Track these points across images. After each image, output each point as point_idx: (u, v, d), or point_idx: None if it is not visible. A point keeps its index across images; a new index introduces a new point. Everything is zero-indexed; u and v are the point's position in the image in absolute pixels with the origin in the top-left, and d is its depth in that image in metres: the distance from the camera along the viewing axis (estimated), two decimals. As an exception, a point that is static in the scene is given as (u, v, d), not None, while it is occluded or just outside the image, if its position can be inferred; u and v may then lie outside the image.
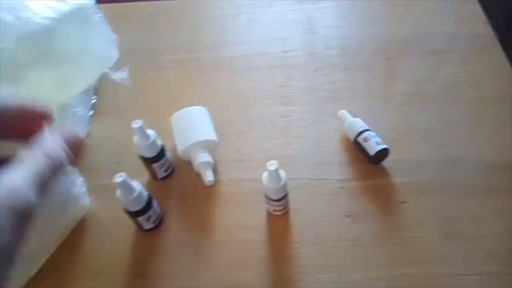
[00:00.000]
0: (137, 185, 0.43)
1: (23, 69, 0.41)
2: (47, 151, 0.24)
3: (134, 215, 0.45)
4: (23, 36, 0.40)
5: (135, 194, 0.42)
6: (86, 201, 0.48)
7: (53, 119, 0.26)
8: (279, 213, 0.47)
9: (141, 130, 0.46)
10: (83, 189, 0.48)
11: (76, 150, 0.25)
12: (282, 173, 0.43)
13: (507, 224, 0.44)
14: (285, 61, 0.64)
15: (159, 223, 0.48)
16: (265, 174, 0.43)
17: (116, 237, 0.48)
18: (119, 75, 0.58)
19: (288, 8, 0.72)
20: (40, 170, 0.23)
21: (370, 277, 0.43)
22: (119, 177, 0.41)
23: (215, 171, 0.51)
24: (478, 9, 0.67)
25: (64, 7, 0.46)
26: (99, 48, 0.50)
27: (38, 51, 0.42)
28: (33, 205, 0.22)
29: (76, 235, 0.48)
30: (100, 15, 0.51)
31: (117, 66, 0.59)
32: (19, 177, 0.22)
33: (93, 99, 0.61)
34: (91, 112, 0.60)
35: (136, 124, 0.45)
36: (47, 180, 0.23)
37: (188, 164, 0.52)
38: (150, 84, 0.63)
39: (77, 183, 0.46)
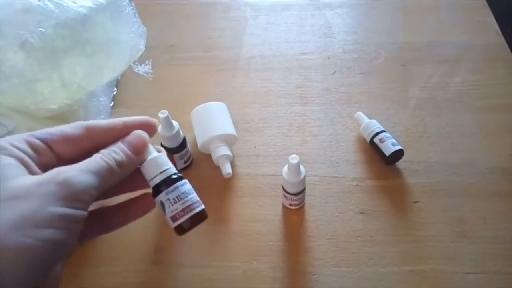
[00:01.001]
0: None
1: (60, 55, 0.42)
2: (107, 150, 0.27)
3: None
4: (61, 23, 0.42)
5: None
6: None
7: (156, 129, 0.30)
8: (295, 207, 0.49)
9: (167, 120, 0.47)
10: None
11: (137, 150, 0.28)
12: (301, 167, 0.45)
13: (515, 227, 0.46)
14: (302, 63, 0.66)
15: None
16: (285, 168, 0.45)
17: (135, 224, 0.49)
18: (143, 69, 0.60)
19: (307, 13, 0.74)
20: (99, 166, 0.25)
21: (382, 272, 0.44)
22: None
23: (232, 165, 0.53)
24: (491, 20, 0.69)
25: (99, -1, 0.48)
26: (129, 39, 0.52)
27: (74, 38, 0.43)
28: (90, 190, 0.24)
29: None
30: (132, 8, 0.53)
31: (140, 60, 0.61)
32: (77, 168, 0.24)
33: (114, 91, 0.63)
34: (112, 103, 0.62)
35: (163, 114, 0.47)
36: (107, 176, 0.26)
37: (206, 157, 0.53)
38: (169, 79, 0.65)
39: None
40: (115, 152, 0.27)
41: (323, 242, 0.47)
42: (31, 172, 0.24)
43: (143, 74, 0.60)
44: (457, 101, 0.59)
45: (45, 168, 0.25)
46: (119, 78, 0.65)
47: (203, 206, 0.30)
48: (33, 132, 0.26)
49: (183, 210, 0.28)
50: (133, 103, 0.62)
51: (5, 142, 0.24)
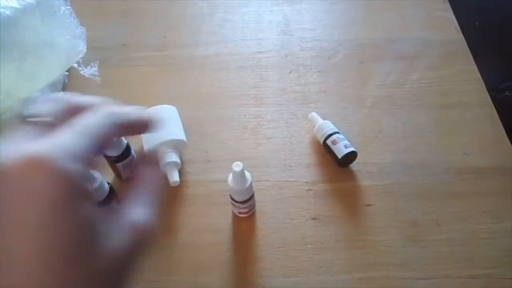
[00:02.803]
0: (98, 175, 0.42)
1: (-21, 61, 0.39)
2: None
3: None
4: (-21, 27, 0.39)
5: (96, 185, 0.42)
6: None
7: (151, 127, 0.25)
8: (244, 215, 0.47)
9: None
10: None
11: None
12: (247, 174, 0.43)
13: (466, 228, 0.45)
14: (259, 62, 0.63)
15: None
16: (230, 176, 0.43)
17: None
18: (89, 71, 0.57)
19: (265, 9, 0.72)
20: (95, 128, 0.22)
21: (332, 280, 0.43)
22: None
23: (182, 171, 0.50)
24: (450, 16, 0.68)
25: (28, -1, 0.45)
26: (66, 41, 0.49)
27: (-4, 43, 0.40)
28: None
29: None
30: (67, 7, 0.50)
31: (86, 62, 0.58)
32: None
33: (60, 95, 0.59)
34: (58, 108, 0.58)
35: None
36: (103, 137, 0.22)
37: (155, 163, 0.51)
38: (120, 81, 0.62)
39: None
40: None
41: (273, 251, 0.45)
42: None
43: (89, 76, 0.57)
44: (414, 99, 0.57)
45: None
46: (66, 81, 0.61)
47: None
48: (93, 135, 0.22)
49: None
50: (80, 108, 0.59)
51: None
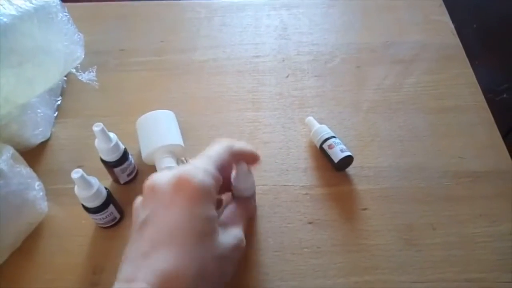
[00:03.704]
0: (96, 182, 0.43)
1: (-23, 68, 0.40)
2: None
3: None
4: (-23, 34, 0.39)
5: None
6: (44, 206, 0.47)
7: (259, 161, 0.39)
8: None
9: (102, 133, 0.45)
10: (41, 193, 0.47)
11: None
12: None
13: (462, 232, 0.45)
14: (256, 66, 0.64)
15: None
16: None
17: (73, 245, 0.47)
18: (87, 76, 0.57)
19: (262, 13, 0.72)
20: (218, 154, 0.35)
21: (329, 284, 0.43)
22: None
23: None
24: (447, 20, 0.69)
25: (26, 5, 0.45)
26: (63, 47, 0.50)
27: (-5, 50, 0.41)
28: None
29: (31, 242, 0.46)
30: (65, 14, 0.50)
31: (84, 67, 0.58)
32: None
33: (58, 100, 0.60)
34: (55, 114, 0.59)
35: (97, 127, 0.44)
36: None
37: (152, 169, 0.51)
38: (118, 86, 0.62)
39: (33, 187, 0.45)
40: None
41: (270, 255, 0.45)
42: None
43: (87, 81, 0.58)
44: (410, 103, 0.58)
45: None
46: (64, 86, 0.62)
47: None
48: (217, 159, 0.35)
49: None
50: (78, 113, 0.59)
51: (211, 186, 0.33)
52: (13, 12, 0.42)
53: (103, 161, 0.48)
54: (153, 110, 0.53)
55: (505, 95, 1.16)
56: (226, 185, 0.40)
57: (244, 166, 0.39)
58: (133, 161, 0.51)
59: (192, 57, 0.66)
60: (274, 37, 0.68)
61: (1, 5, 0.41)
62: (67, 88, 0.62)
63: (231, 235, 0.35)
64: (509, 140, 0.87)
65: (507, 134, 1.11)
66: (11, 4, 0.42)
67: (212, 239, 0.31)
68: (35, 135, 0.52)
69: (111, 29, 0.70)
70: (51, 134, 0.56)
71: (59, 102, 0.60)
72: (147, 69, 0.64)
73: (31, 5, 0.44)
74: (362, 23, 0.70)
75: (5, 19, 0.41)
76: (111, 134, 0.46)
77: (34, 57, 0.45)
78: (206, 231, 0.31)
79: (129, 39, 0.69)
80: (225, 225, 0.36)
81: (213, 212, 0.32)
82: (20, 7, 0.43)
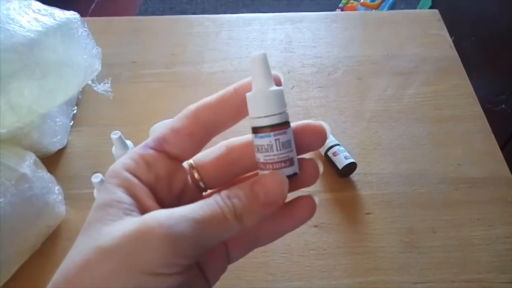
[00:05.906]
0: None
1: (6, 79, 0.43)
2: None
3: None
4: (8, 48, 0.42)
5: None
6: (62, 209, 0.50)
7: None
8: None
9: (120, 141, 0.48)
10: (60, 197, 0.49)
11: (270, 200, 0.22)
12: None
13: (460, 235, 0.48)
14: (263, 78, 0.67)
15: None
16: None
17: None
18: (102, 87, 0.60)
19: (268, 27, 0.75)
20: None
21: (334, 285, 0.45)
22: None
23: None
24: (445, 34, 0.72)
25: (50, 21, 0.48)
26: (83, 60, 0.53)
27: (22, 62, 0.44)
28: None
29: (50, 244, 0.49)
30: (85, 29, 0.54)
31: (100, 78, 0.61)
32: None
33: (74, 110, 0.63)
34: (71, 123, 0.62)
35: (115, 134, 0.47)
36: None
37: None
38: (131, 96, 0.65)
39: (54, 191, 0.48)
40: (238, 197, 0.21)
41: (277, 256, 0.47)
42: (140, 205, 0.22)
43: (102, 92, 0.61)
44: (410, 112, 0.60)
45: (157, 178, 0.23)
46: (80, 97, 0.65)
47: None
48: (147, 141, 0.24)
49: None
50: (93, 122, 0.62)
51: (120, 165, 0.22)
52: (40, 29, 0.45)
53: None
54: (163, 119, 0.56)
55: (503, 106, 1.19)
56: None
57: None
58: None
59: (201, 69, 0.69)
60: (279, 50, 0.71)
61: (29, 22, 0.44)
62: (82, 98, 0.65)
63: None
64: (508, 149, 0.89)
65: (506, 144, 1.14)
66: (38, 21, 0.45)
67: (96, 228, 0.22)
68: (53, 142, 0.55)
69: (124, 43, 0.74)
70: (67, 142, 0.59)
71: (74, 112, 0.63)
72: (158, 80, 0.68)
73: (55, 21, 0.47)
74: (363, 37, 0.73)
75: (32, 35, 0.44)
76: (128, 142, 0.49)
77: (57, 70, 0.48)
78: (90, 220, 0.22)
79: (141, 52, 0.72)
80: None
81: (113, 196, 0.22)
82: (45, 24, 0.46)
